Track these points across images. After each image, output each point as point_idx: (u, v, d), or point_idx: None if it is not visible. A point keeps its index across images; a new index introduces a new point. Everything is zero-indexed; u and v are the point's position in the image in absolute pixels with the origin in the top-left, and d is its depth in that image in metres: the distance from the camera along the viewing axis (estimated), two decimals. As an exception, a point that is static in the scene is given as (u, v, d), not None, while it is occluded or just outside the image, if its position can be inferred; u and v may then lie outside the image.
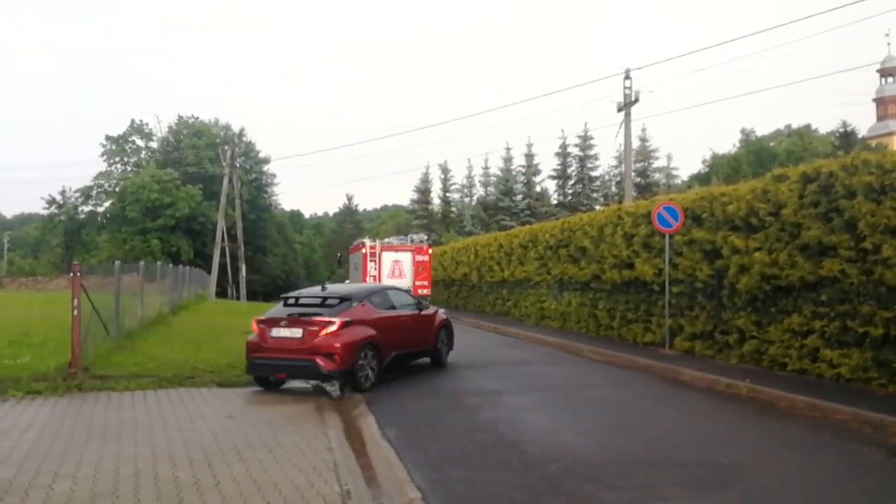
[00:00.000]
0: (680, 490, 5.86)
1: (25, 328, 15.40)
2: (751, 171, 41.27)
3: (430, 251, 28.62)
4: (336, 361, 10.33)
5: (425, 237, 30.52)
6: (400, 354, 12.03)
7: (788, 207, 10.69)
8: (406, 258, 27.39)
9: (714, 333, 12.71)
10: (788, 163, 16.32)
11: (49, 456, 6.51)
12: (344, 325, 10.60)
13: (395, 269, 27.10)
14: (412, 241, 28.66)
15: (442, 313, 13.95)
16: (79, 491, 5.51)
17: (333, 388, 10.86)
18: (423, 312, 13.16)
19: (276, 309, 11.52)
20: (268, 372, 10.77)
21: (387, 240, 28.99)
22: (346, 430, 8.12)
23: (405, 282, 26.06)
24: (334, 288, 12.51)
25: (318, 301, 11.23)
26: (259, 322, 11.00)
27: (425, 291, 26.34)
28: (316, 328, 10.46)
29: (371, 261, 26.94)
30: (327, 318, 10.59)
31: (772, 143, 64.21)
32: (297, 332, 10.56)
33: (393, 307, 12.26)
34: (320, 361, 10.29)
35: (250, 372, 10.91)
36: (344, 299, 11.22)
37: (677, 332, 13.78)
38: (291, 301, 11.48)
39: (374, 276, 26.52)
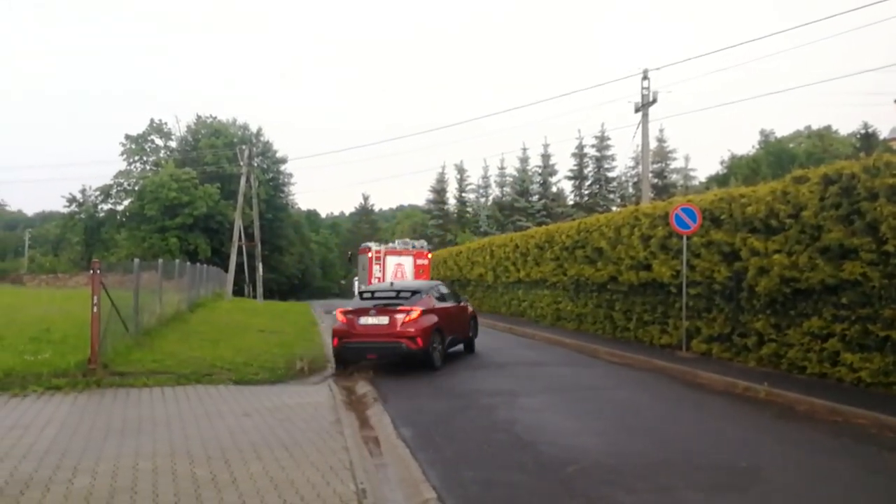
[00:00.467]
0: (697, 493, 5.81)
1: (46, 325, 15.57)
2: (770, 172, 40.88)
3: (429, 256, 31.06)
4: (418, 343, 12.30)
5: (425, 243, 32.82)
6: (451, 339, 13.87)
7: (809, 209, 10.57)
8: (408, 262, 29.79)
9: (732, 336, 12.60)
10: (808, 164, 16.15)
11: (69, 451, 6.58)
12: (422, 313, 12.63)
13: (398, 271, 29.43)
14: (413, 246, 30.93)
15: (470, 306, 15.92)
16: (98, 486, 5.57)
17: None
18: (461, 304, 15.20)
19: (355, 302, 13.50)
20: (358, 354, 12.54)
21: (391, 244, 31.55)
22: (362, 429, 8.14)
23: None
24: (400, 284, 15.00)
25: (392, 294, 13.23)
26: (346, 313, 12.79)
27: None
28: (401, 316, 12.41)
29: (376, 263, 29.41)
30: (409, 307, 12.59)
31: (791, 145, 63.58)
32: (383, 320, 12.45)
33: (444, 299, 14.15)
34: (406, 343, 12.25)
35: (339, 355, 12.64)
36: (415, 292, 13.28)
37: (694, 334, 13.68)
38: (368, 295, 13.54)
39: (379, 278, 28.71)
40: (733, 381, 10.71)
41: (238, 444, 6.97)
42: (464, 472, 6.42)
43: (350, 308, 13.00)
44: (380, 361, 12.85)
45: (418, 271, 29.61)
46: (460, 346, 14.92)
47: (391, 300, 12.90)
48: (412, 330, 12.29)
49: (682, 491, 5.85)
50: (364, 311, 12.61)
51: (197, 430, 7.52)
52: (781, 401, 9.49)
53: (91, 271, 10.86)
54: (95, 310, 10.50)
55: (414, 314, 12.45)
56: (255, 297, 42.06)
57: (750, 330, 12.07)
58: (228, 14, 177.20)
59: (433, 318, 12.84)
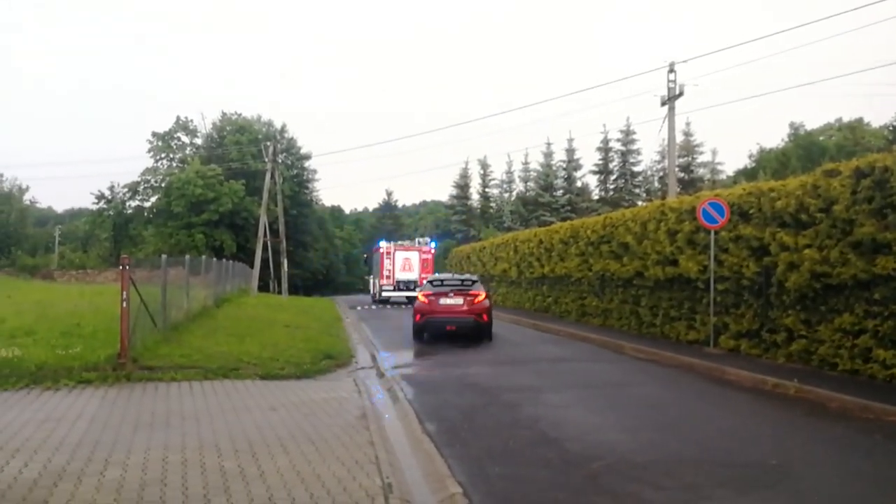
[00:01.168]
0: (726, 491, 5.74)
1: (76, 319, 15.79)
2: (800, 165, 40.14)
3: (432, 251, 36.45)
4: (484, 320, 16.24)
5: (429, 239, 38.35)
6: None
7: (840, 203, 10.38)
8: (414, 256, 35.03)
9: (761, 332, 12.43)
10: (839, 157, 15.86)
11: (100, 444, 6.68)
12: (486, 296, 16.45)
13: (406, 264, 34.59)
14: (418, 242, 36.89)
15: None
16: (129, 478, 5.65)
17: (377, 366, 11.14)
18: (490, 294, 18.29)
19: (426, 286, 17.38)
20: (440, 326, 16.22)
21: (399, 242, 37.72)
22: (387, 424, 8.16)
23: (414, 274, 33.97)
24: (459, 275, 18.87)
25: (458, 282, 17.23)
26: (426, 295, 16.50)
27: None
28: (472, 297, 16.24)
29: (387, 258, 34.50)
30: (477, 291, 16.45)
31: (822, 137, 62.23)
32: (459, 300, 16.22)
33: (485, 288, 17.30)
34: (475, 318, 16.03)
35: (421, 329, 16.40)
36: (474, 281, 17.28)
37: (722, 330, 13.52)
38: (438, 282, 17.40)
39: (389, 270, 34.43)
40: (762, 377, 10.56)
41: (265, 438, 7.03)
42: (489, 467, 6.41)
43: (429, 291, 16.54)
44: (403, 350, 15.15)
45: (423, 264, 34.64)
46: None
47: (455, 286, 16.63)
48: (482, 309, 16.12)
49: (709, 488, 5.78)
50: (443, 293, 16.25)
51: (225, 425, 7.59)
52: (812, 398, 9.34)
53: (120, 267, 10.98)
54: (125, 305, 10.62)
55: (481, 297, 16.24)
56: (279, 292, 42.36)
57: (779, 326, 11.89)
58: (228, 14, 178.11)
59: (488, 302, 16.57)
